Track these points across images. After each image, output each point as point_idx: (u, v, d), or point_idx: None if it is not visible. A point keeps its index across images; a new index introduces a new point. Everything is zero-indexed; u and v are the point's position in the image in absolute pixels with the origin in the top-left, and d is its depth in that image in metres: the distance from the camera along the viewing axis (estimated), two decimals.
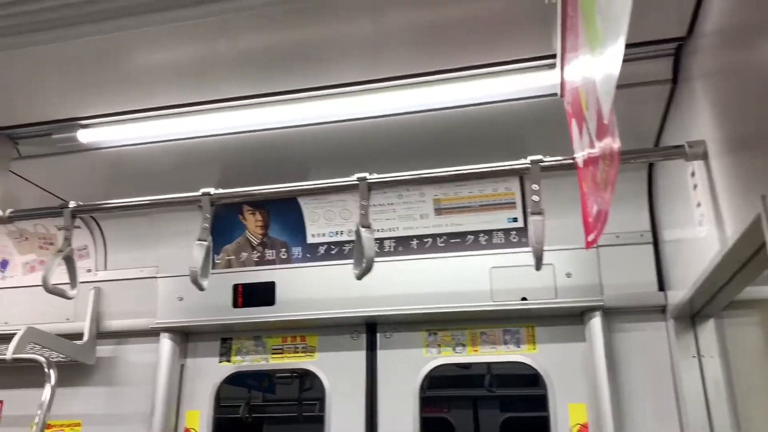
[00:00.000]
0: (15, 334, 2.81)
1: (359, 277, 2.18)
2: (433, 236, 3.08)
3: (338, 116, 2.54)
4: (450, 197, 3.06)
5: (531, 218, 2.05)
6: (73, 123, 2.55)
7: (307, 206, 3.19)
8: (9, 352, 2.73)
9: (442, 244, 3.06)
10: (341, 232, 3.20)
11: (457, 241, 3.05)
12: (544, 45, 2.11)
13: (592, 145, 1.64)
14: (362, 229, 2.18)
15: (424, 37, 2.11)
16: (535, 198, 2.07)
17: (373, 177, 2.24)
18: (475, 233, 3.04)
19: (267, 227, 3.29)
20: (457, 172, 2.23)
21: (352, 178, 2.26)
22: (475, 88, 2.34)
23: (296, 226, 3.25)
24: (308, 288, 3.10)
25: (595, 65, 1.33)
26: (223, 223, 3.29)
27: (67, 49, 2.07)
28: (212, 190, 2.38)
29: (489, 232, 3.04)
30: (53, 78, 2.27)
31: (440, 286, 2.95)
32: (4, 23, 1.91)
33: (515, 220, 3.03)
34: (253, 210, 3.28)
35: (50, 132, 2.59)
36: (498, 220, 3.04)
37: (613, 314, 2.77)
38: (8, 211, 2.57)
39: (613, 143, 1.30)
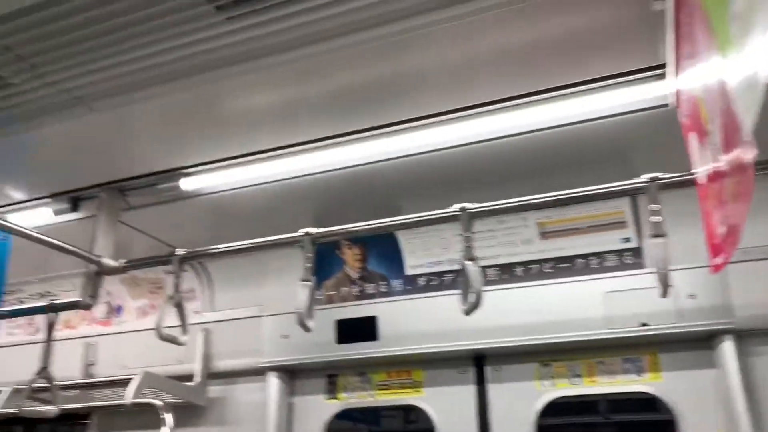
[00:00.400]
0: (132, 378, 2.90)
1: (468, 313, 2.09)
2: (539, 262, 2.94)
3: (431, 146, 2.49)
4: (554, 220, 2.92)
5: (652, 241, 1.89)
6: (175, 173, 2.63)
7: (404, 237, 3.14)
8: (127, 396, 2.81)
9: (550, 270, 2.91)
10: (440, 262, 3.12)
11: (565, 266, 2.89)
12: (649, 55, 1.97)
13: (716, 159, 1.49)
14: (467, 263, 2.09)
15: (516, 59, 2.02)
16: (656, 219, 1.91)
17: (475, 206, 2.15)
18: (585, 256, 2.88)
19: (365, 260, 3.26)
20: (565, 196, 2.11)
21: (454, 209, 2.18)
22: (572, 107, 2.24)
23: (394, 258, 3.19)
24: (411, 321, 3.02)
25: (728, 71, 1.19)
26: (322, 259, 3.28)
27: (166, 104, 2.13)
28: (313, 230, 2.36)
29: (600, 255, 2.86)
30: (155, 132, 2.34)
31: (550, 315, 2.80)
32: (109, 84, 1.98)
33: (628, 240, 2.84)
34: (351, 244, 3.26)
35: (155, 182, 2.68)
36: (609, 241, 2.86)
37: (747, 337, 2.52)
38: (122, 261, 2.66)
39: (746, 154, 1.15)
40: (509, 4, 1.76)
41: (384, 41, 1.89)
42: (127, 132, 2.33)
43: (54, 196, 2.80)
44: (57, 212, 2.81)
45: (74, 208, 2.81)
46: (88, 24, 1.74)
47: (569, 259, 2.91)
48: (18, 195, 2.80)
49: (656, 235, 1.87)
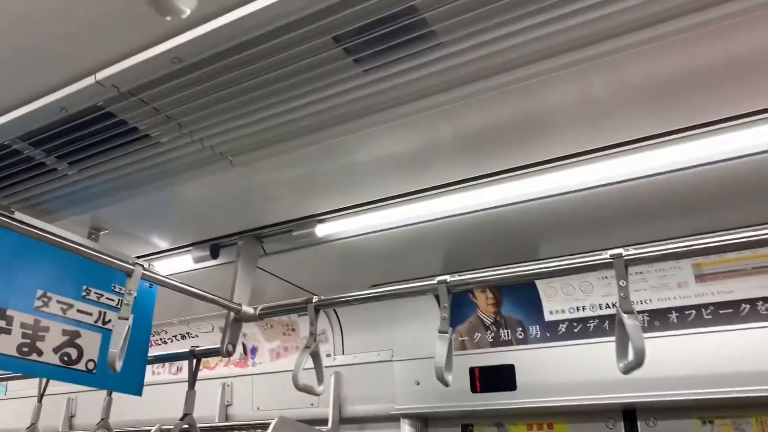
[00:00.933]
0: (269, 423, 2.92)
1: (626, 372, 1.89)
2: (697, 307, 2.66)
3: (565, 188, 2.34)
4: (712, 261, 2.64)
5: None
6: (311, 220, 2.64)
7: (543, 281, 2.96)
8: None
9: (709, 317, 2.63)
10: (583, 308, 2.91)
11: (728, 312, 2.60)
12: None
13: None
14: (624, 315, 1.90)
15: (664, 92, 1.84)
16: None
17: (631, 253, 1.96)
18: (752, 301, 2.57)
19: (500, 305, 3.11)
20: (734, 241, 1.87)
21: (605, 256, 2.00)
22: (724, 142, 2.02)
23: (531, 303, 3.03)
24: (551, 371, 2.83)
25: None
26: (453, 303, 3.17)
27: (302, 155, 2.13)
28: (449, 278, 2.26)
29: None
30: (291, 181, 2.36)
31: (712, 366, 2.52)
32: (250, 140, 2.01)
33: None
34: (485, 288, 3.13)
35: (291, 229, 2.70)
36: None
37: None
38: (258, 308, 2.70)
39: None
40: (657, 39, 1.60)
41: (519, 84, 1.79)
42: (265, 182, 2.37)
43: (195, 244, 2.91)
44: (197, 260, 2.90)
45: (214, 255, 2.90)
46: (231, 84, 1.77)
47: (732, 304, 2.61)
48: (163, 244, 2.93)
49: None
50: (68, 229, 2.56)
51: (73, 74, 1.76)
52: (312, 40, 1.62)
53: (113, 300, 2.54)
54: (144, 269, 2.21)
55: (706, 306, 2.65)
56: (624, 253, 1.96)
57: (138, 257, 2.98)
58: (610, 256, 1.99)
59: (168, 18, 0.61)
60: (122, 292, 2.45)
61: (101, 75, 1.74)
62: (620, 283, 1.93)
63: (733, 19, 1.52)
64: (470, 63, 1.67)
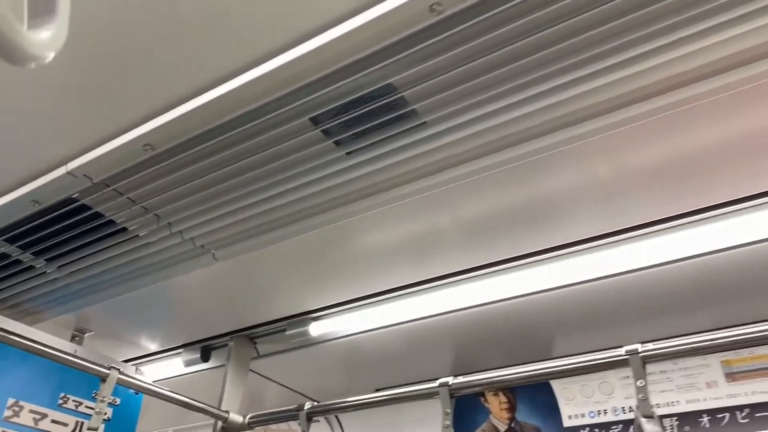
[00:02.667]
0: None
1: None
2: (730, 409, 2.40)
3: (581, 277, 2.17)
4: (743, 357, 2.40)
5: None
6: (304, 317, 2.49)
7: (558, 382, 2.73)
8: None
9: (745, 420, 2.36)
10: (604, 411, 2.65)
11: (765, 415, 2.33)
12: None
13: None
14: (643, 420, 1.68)
15: (680, 173, 1.71)
16: None
17: (647, 349, 1.77)
18: None
19: (514, 410, 2.86)
20: (762, 334, 1.67)
21: (620, 353, 1.81)
22: (751, 224, 1.87)
23: (548, 406, 2.77)
24: None
25: None
26: (464, 408, 2.93)
27: (290, 247, 2.01)
28: (451, 380, 2.07)
29: None
30: (281, 275, 2.24)
31: None
32: (230, 232, 1.90)
33: None
34: (497, 390, 2.89)
35: (284, 328, 2.55)
36: None
37: None
38: (248, 417, 2.49)
39: None
40: (666, 109, 1.49)
41: (517, 164, 1.68)
42: (254, 277, 2.24)
43: (185, 346, 2.75)
44: (188, 363, 2.74)
45: (205, 357, 2.74)
46: (207, 171, 1.69)
47: None
48: (152, 346, 2.78)
49: None
50: (51, 331, 2.43)
51: (44, 165, 1.70)
52: (288, 122, 1.54)
53: (93, 408, 2.37)
54: (120, 374, 2.05)
55: (740, 408, 2.38)
56: (641, 349, 1.76)
57: (126, 360, 2.83)
58: (625, 352, 1.79)
59: (32, 65, 0.51)
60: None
61: (73, 165, 1.67)
62: (638, 383, 1.73)
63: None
64: (458, 143, 1.57)
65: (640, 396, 1.72)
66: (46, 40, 0.55)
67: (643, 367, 1.76)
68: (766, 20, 1.25)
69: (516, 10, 1.25)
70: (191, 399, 2.33)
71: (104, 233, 1.94)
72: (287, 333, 2.53)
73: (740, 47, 1.31)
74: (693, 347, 1.74)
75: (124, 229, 1.93)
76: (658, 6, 1.25)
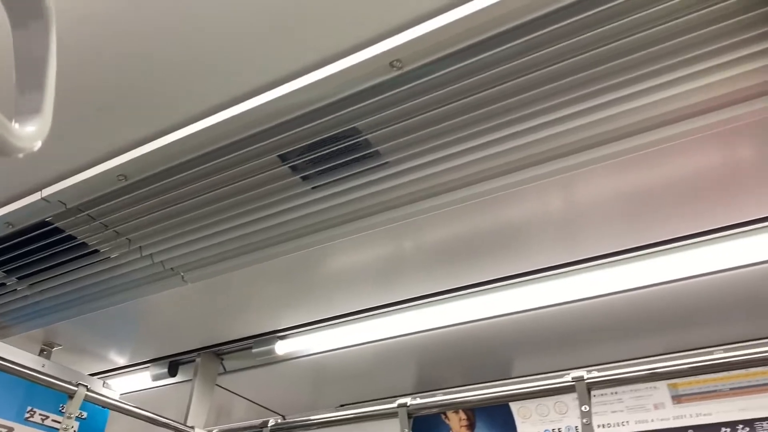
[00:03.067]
0: None
1: None
2: (677, 431, 2.52)
3: (539, 303, 2.27)
4: (689, 381, 2.52)
5: None
6: (271, 336, 2.56)
7: (516, 401, 2.83)
8: None
9: None
10: (559, 430, 2.75)
11: None
12: None
13: None
14: None
15: (631, 209, 1.82)
16: None
17: (593, 376, 1.88)
18: (732, 425, 2.44)
19: (473, 427, 2.95)
20: (707, 363, 1.79)
21: (567, 379, 1.91)
22: (694, 258, 1.99)
23: (506, 425, 2.86)
24: None
25: None
26: (424, 424, 3.01)
27: (259, 271, 2.08)
28: (409, 401, 2.16)
29: (750, 423, 2.41)
30: (249, 297, 2.30)
31: None
32: (200, 256, 1.97)
33: None
34: (457, 408, 2.98)
35: (251, 346, 2.61)
36: (761, 406, 2.41)
37: None
38: (215, 430, 2.55)
39: None
40: (618, 155, 1.60)
41: (472, 202, 1.77)
42: (221, 299, 2.30)
43: (154, 361, 2.80)
44: (155, 377, 2.79)
45: (173, 372, 2.78)
46: (178, 201, 1.76)
47: (712, 427, 2.47)
48: (120, 360, 2.82)
49: None
50: (20, 345, 2.47)
51: (19, 190, 1.75)
52: (258, 159, 1.62)
53: (59, 422, 2.40)
54: (88, 390, 2.10)
55: (686, 429, 2.51)
56: (586, 376, 1.87)
57: (94, 374, 2.86)
58: (572, 378, 1.90)
59: (20, 155, 0.59)
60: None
61: (48, 191, 1.73)
62: (582, 408, 1.84)
63: (713, 130, 1.51)
64: (418, 181, 1.67)
65: (584, 420, 1.84)
66: (31, 133, 0.62)
67: (589, 393, 1.87)
68: (718, 77, 1.36)
69: (471, 67, 1.35)
70: (156, 414, 2.38)
71: (76, 255, 1.99)
72: (254, 351, 2.59)
73: (686, 102, 1.42)
74: (636, 375, 1.86)
75: (96, 251, 1.98)
76: (603, 67, 1.35)
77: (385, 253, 2.08)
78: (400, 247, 2.05)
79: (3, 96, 0.67)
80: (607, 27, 1.28)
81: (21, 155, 0.62)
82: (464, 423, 2.98)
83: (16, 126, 0.61)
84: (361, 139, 1.54)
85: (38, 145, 0.63)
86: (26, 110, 0.62)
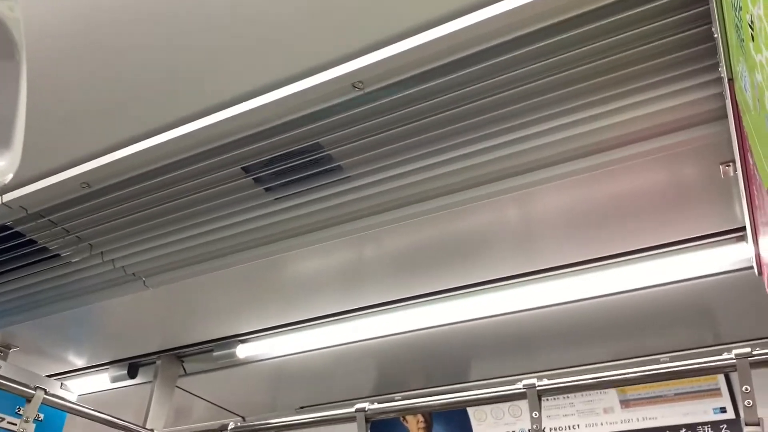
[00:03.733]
0: None
1: None
2: None
3: (495, 311, 2.35)
4: (637, 387, 2.64)
5: (747, 429, 1.63)
6: (232, 340, 2.58)
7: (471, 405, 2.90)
8: None
9: None
10: None
11: None
12: (728, 217, 1.82)
13: None
14: None
15: (585, 224, 1.90)
16: (748, 403, 1.65)
17: (543, 383, 1.95)
18: (676, 428, 2.56)
19: (430, 429, 3.03)
20: (649, 373, 1.87)
21: (518, 387, 1.98)
22: (645, 271, 2.08)
23: (462, 427, 2.95)
24: None
25: None
26: (383, 427, 3.07)
27: (221, 277, 2.10)
28: (367, 406, 2.20)
29: (693, 427, 2.53)
30: (211, 302, 2.32)
31: None
32: (162, 262, 1.98)
33: (723, 410, 2.51)
34: (415, 413, 3.05)
35: (211, 349, 2.63)
36: (701, 411, 2.54)
37: None
38: (173, 430, 2.56)
39: None
40: (574, 174, 1.67)
41: (439, 212, 1.83)
42: (183, 303, 2.32)
43: (113, 363, 2.79)
44: (114, 379, 2.78)
45: (132, 374, 2.78)
46: (141, 208, 1.77)
47: (657, 431, 2.59)
48: (79, 362, 2.81)
49: (750, 424, 1.61)
50: None
51: None
52: (221, 170, 1.65)
53: (15, 425, 2.38)
54: (46, 394, 2.09)
55: None
56: (537, 384, 1.95)
57: (51, 375, 2.83)
58: (523, 386, 1.97)
59: None
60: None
61: (8, 197, 1.73)
62: (533, 414, 1.91)
63: (659, 154, 1.59)
64: (379, 195, 1.72)
65: (534, 426, 1.90)
66: (1, 168, 0.65)
67: (539, 399, 1.94)
68: (650, 109, 1.44)
69: (429, 90, 1.40)
70: (114, 417, 2.38)
71: (36, 259, 1.99)
72: (215, 354, 2.61)
73: (633, 128, 1.50)
74: (584, 384, 1.95)
75: (57, 256, 1.98)
76: (556, 93, 1.42)
77: (347, 260, 2.12)
78: (361, 256, 2.10)
79: None
80: (558, 57, 1.34)
81: None
82: (422, 425, 3.05)
83: None
84: (324, 154, 1.58)
85: (8, 178, 0.66)
86: None
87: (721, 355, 1.79)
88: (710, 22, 1.24)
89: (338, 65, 1.35)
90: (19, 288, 2.13)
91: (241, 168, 1.64)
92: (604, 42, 1.32)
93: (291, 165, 1.63)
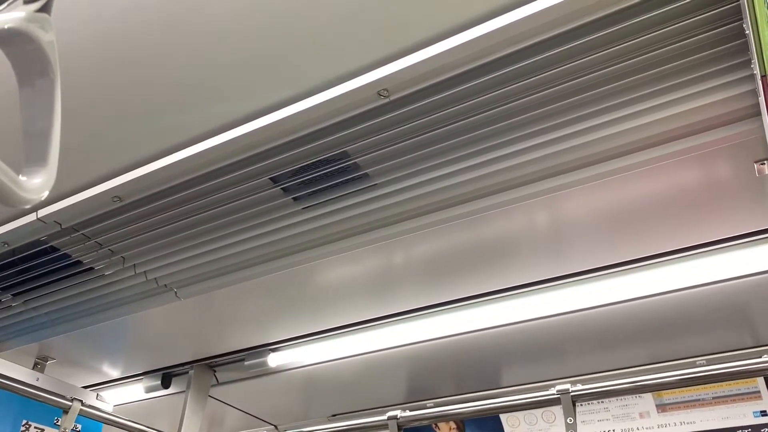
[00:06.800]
0: None
1: None
2: None
3: (526, 316, 2.32)
4: (674, 390, 2.58)
5: None
6: (263, 349, 2.59)
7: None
8: None
9: None
10: None
11: None
12: (761, 217, 1.78)
13: None
14: None
15: (615, 226, 1.87)
16: None
17: (577, 389, 1.93)
18: None
19: None
20: (686, 376, 1.84)
21: (552, 392, 1.96)
22: (678, 272, 2.04)
23: None
24: None
25: None
26: None
27: (251, 286, 2.11)
28: (399, 413, 2.20)
29: (732, 431, 2.47)
30: (242, 311, 2.34)
31: None
32: (193, 273, 2.00)
33: (764, 413, 2.44)
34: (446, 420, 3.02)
35: (243, 359, 2.64)
36: (740, 414, 2.47)
37: None
38: None
39: None
40: (601, 176, 1.64)
41: (466, 218, 1.82)
42: (214, 312, 2.34)
43: (147, 373, 2.83)
44: (148, 389, 2.81)
45: (166, 384, 2.81)
46: (172, 221, 1.79)
47: None
48: (114, 372, 2.85)
49: None
50: (13, 357, 2.49)
51: (15, 212, 1.78)
52: (250, 181, 1.66)
53: None
54: (83, 405, 2.13)
55: None
56: (571, 389, 1.92)
57: (87, 386, 2.88)
58: (557, 391, 1.95)
59: (28, 206, 0.63)
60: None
61: (43, 212, 1.76)
62: (567, 420, 1.89)
63: (692, 153, 1.55)
64: (406, 202, 1.71)
65: None
66: (37, 185, 0.66)
67: (573, 405, 1.92)
68: (695, 104, 1.42)
69: (454, 96, 1.40)
70: (149, 427, 2.41)
71: (71, 272, 2.02)
72: (246, 363, 2.62)
73: (666, 128, 1.48)
74: (619, 388, 1.92)
75: (91, 269, 2.02)
76: (586, 95, 1.41)
77: (376, 267, 2.12)
78: (390, 263, 2.09)
79: (10, 147, 0.71)
80: (588, 58, 1.33)
81: (28, 206, 0.66)
82: (454, 431, 3.03)
83: (23, 179, 0.65)
84: (351, 162, 1.59)
85: (44, 195, 0.67)
86: (33, 162, 0.67)
87: (760, 357, 1.75)
88: (741, 18, 1.21)
89: (364, 74, 1.36)
90: (55, 301, 2.17)
91: (270, 178, 1.65)
92: (633, 42, 1.30)
93: (318, 174, 1.63)
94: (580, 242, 1.96)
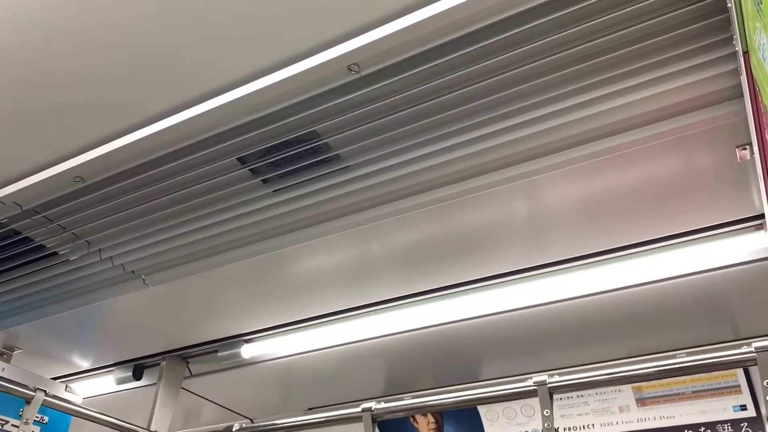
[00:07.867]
0: None
1: None
2: None
3: (505, 306, 2.28)
4: (653, 384, 2.55)
5: None
6: (237, 339, 2.53)
7: (483, 405, 2.84)
8: None
9: None
10: None
11: None
12: (745, 205, 1.74)
13: None
14: None
15: (595, 214, 1.83)
16: None
17: (555, 380, 1.88)
18: (694, 427, 2.47)
19: (441, 429, 2.96)
20: (664, 368, 1.80)
21: (528, 384, 1.92)
22: (660, 262, 2.00)
23: (473, 427, 2.88)
24: None
25: None
26: (393, 427, 3.01)
27: (222, 274, 2.05)
28: (374, 405, 2.14)
29: (712, 426, 2.45)
30: (218, 299, 2.28)
31: None
32: (161, 259, 1.94)
33: (744, 407, 2.43)
34: (422, 412, 2.98)
35: (216, 350, 2.58)
36: (721, 408, 2.45)
37: None
38: None
39: None
40: (582, 159, 1.60)
41: (443, 203, 1.77)
42: (186, 301, 2.27)
43: (118, 364, 2.76)
44: (119, 381, 2.75)
45: (137, 376, 2.74)
46: (137, 202, 1.73)
47: (675, 430, 2.50)
48: (84, 363, 2.78)
49: None
50: None
51: None
52: (217, 161, 1.60)
53: (18, 427, 2.35)
54: (47, 396, 2.06)
55: (649, 431, 2.54)
56: (548, 380, 1.88)
57: (56, 378, 2.81)
58: (534, 383, 1.90)
59: None
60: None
61: (2, 193, 1.69)
62: (544, 413, 1.84)
63: (671, 137, 1.51)
64: (379, 186, 1.66)
65: (545, 425, 1.83)
66: None
67: (551, 397, 1.87)
68: (661, 89, 1.38)
69: (428, 72, 1.34)
70: (119, 420, 2.34)
71: (33, 257, 1.95)
72: (219, 354, 2.56)
73: (643, 110, 1.43)
74: (597, 380, 1.87)
75: (54, 254, 1.94)
76: (562, 73, 1.36)
77: (353, 256, 2.06)
78: (367, 250, 2.04)
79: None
80: (564, 33, 1.28)
81: None
82: (432, 426, 2.99)
83: None
84: (321, 142, 1.53)
85: None
86: None
87: (739, 348, 1.71)
88: None
89: (332, 47, 1.30)
90: (18, 288, 2.10)
91: (237, 159, 1.59)
92: (610, 17, 1.25)
93: (288, 155, 1.58)
94: (557, 231, 1.92)
